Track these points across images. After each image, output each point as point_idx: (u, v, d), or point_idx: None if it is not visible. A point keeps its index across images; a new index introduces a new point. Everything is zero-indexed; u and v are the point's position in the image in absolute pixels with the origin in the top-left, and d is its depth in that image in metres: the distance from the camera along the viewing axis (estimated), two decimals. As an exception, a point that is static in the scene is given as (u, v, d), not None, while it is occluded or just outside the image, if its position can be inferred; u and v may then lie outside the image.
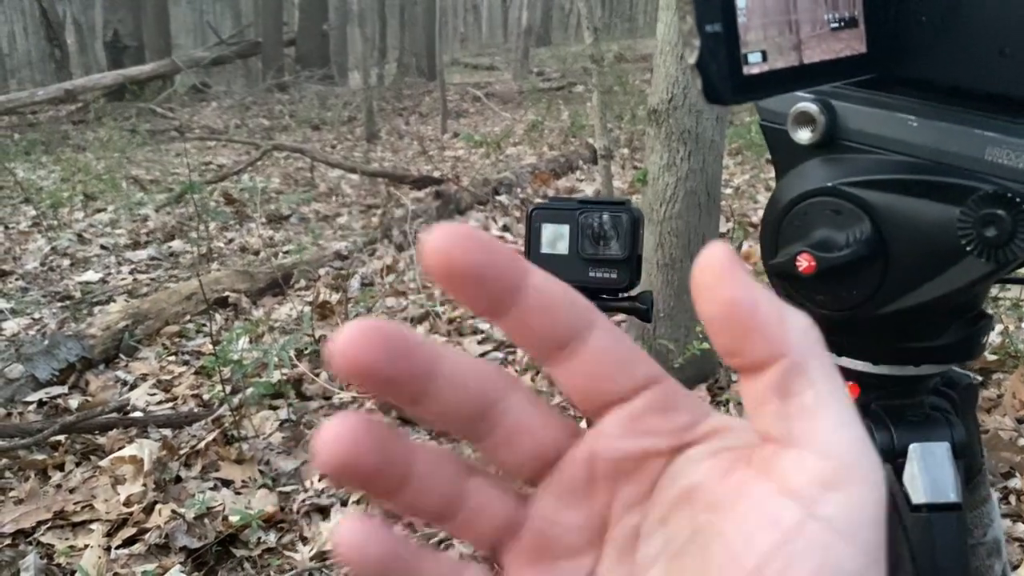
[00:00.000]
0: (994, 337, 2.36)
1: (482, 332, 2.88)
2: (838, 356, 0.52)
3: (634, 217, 0.73)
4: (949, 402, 0.55)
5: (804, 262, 0.47)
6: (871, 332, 0.50)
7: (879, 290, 0.46)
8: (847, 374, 0.52)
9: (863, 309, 0.47)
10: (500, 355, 2.66)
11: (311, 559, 1.66)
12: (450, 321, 2.98)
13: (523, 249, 0.76)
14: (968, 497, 0.56)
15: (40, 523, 1.81)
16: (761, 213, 3.62)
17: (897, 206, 0.44)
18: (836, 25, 0.41)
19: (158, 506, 1.82)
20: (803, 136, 0.48)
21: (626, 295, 0.75)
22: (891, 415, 0.52)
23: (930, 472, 0.50)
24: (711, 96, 0.36)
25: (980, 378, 2.15)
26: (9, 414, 2.36)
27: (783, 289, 0.50)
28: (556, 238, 0.75)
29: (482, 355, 2.67)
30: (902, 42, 0.43)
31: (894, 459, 0.51)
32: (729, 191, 4.56)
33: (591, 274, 0.74)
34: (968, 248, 0.41)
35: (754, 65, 0.37)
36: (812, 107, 0.47)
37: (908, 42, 0.43)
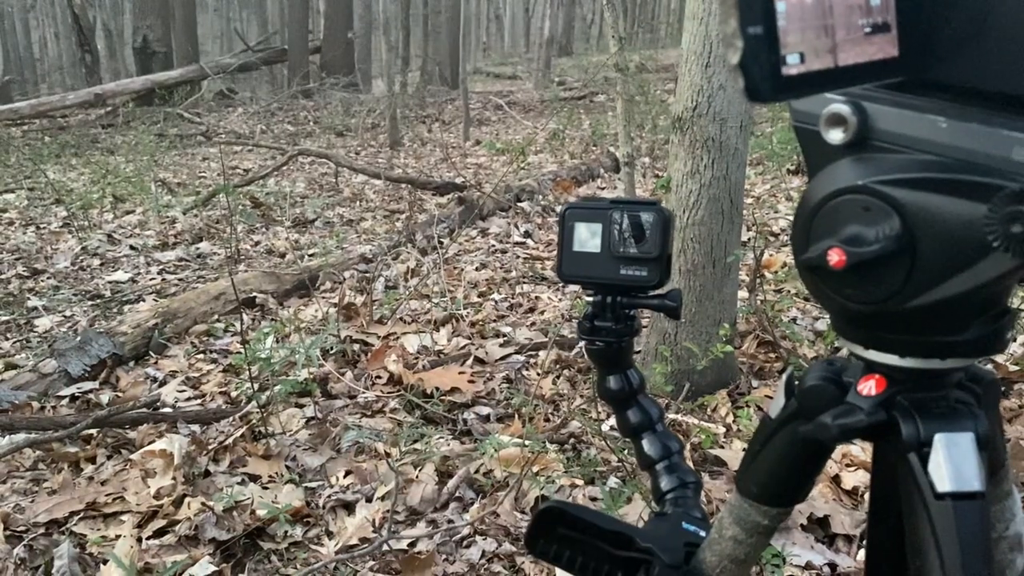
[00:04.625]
0: (1015, 348, 2.34)
1: (504, 336, 2.90)
2: (865, 349, 0.54)
3: (665, 217, 0.75)
4: (973, 396, 0.56)
5: (835, 256, 0.48)
6: (898, 326, 0.51)
7: (907, 284, 0.48)
8: (875, 367, 0.54)
9: (891, 303, 0.49)
10: (521, 358, 2.68)
11: (336, 553, 1.69)
12: (472, 324, 3.01)
13: (557, 248, 0.79)
14: (991, 491, 0.57)
15: (73, 513, 1.86)
16: (782, 222, 3.60)
17: (925, 203, 0.46)
18: (869, 30, 0.43)
19: (187, 499, 1.86)
20: (835, 136, 0.50)
21: (656, 292, 0.77)
22: (917, 407, 0.53)
23: (954, 461, 0.51)
24: (752, 95, 0.38)
25: (1002, 387, 2.14)
26: (42, 408, 2.42)
27: (813, 284, 0.52)
28: (588, 237, 0.77)
29: (503, 358, 2.69)
30: (932, 46, 0.45)
31: (919, 449, 0.52)
32: (750, 200, 4.56)
33: (622, 272, 0.76)
34: (994, 244, 0.43)
35: (792, 66, 0.40)
36: (844, 108, 0.48)
37: (938, 46, 0.45)
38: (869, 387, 0.54)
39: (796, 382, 0.58)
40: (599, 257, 0.76)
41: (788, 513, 0.64)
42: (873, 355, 0.53)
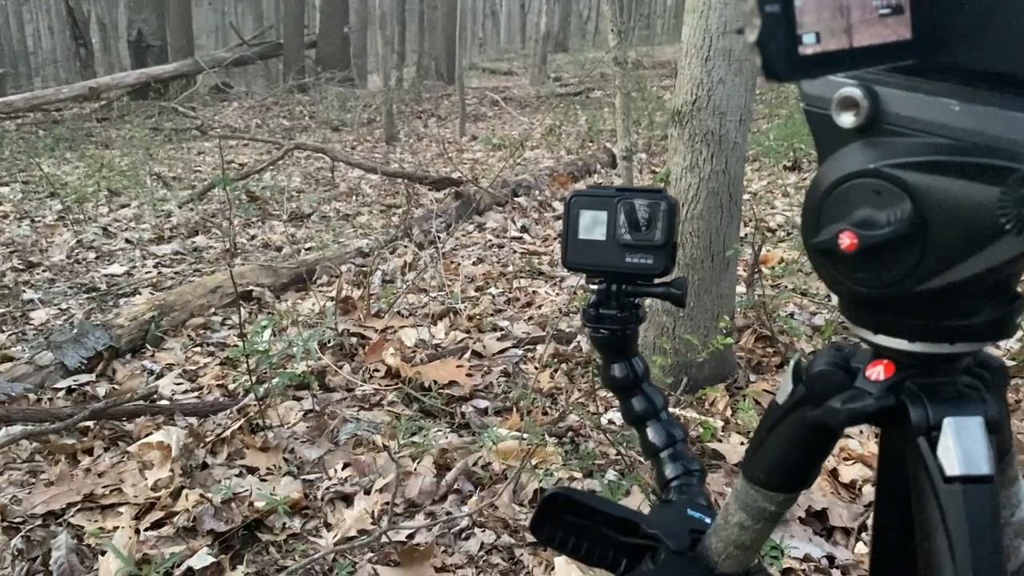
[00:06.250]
0: (1013, 343, 2.35)
1: (502, 329, 2.90)
2: (874, 334, 0.54)
3: (671, 205, 0.75)
4: (981, 381, 0.56)
5: (846, 240, 0.48)
6: (908, 310, 0.51)
7: (918, 268, 0.48)
8: (883, 352, 0.54)
9: (901, 287, 0.49)
10: (519, 351, 2.68)
11: (335, 544, 1.69)
12: (470, 318, 3.01)
13: (562, 235, 0.79)
14: (998, 476, 0.57)
15: (70, 505, 1.85)
16: (779, 218, 3.60)
17: (937, 186, 0.46)
18: (884, 11, 0.43)
19: (185, 491, 1.85)
20: (846, 120, 0.49)
21: (661, 281, 0.77)
22: (926, 391, 0.53)
23: (963, 445, 0.51)
24: (769, 72, 0.39)
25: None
26: (39, 400, 2.41)
27: (823, 268, 0.52)
28: (594, 224, 0.77)
29: (501, 352, 2.69)
30: (945, 29, 0.45)
31: (928, 433, 0.52)
32: (747, 196, 4.56)
33: (628, 260, 0.76)
34: (1007, 227, 0.42)
35: (808, 45, 0.40)
36: (856, 92, 0.48)
37: (950, 29, 0.45)
38: (878, 372, 0.54)
39: (804, 368, 0.58)
40: (604, 245, 0.76)
41: (794, 499, 0.64)
42: (882, 340, 0.53)
